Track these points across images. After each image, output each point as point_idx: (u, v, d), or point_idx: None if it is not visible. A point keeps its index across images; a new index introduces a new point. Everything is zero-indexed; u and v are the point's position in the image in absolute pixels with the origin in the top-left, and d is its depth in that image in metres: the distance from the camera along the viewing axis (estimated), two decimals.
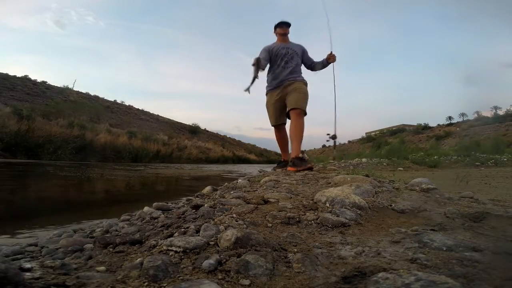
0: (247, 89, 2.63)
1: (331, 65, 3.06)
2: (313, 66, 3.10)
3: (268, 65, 2.93)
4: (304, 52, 3.06)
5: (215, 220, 0.86)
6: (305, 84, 2.94)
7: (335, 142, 3.03)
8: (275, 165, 3.33)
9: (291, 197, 1.17)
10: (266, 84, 3.10)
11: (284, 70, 2.90)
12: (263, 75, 2.77)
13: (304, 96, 2.81)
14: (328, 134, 2.99)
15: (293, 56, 2.95)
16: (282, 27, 3.00)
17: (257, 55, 2.77)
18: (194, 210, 1.18)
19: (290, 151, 3.14)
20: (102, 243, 0.83)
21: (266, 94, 3.09)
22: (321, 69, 3.09)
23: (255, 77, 2.59)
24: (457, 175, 2.55)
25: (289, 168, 2.58)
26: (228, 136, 36.87)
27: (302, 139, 2.74)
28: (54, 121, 12.51)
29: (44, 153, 9.97)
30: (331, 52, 3.02)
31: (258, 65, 2.59)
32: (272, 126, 3.08)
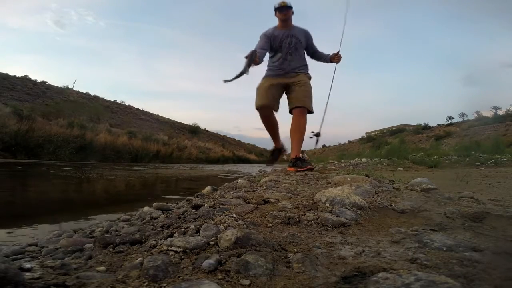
0: (227, 81, 2.13)
1: (333, 64, 2.86)
2: (315, 55, 2.88)
3: (267, 54, 2.65)
4: (308, 38, 2.79)
5: (215, 220, 0.86)
6: (309, 78, 2.76)
7: (317, 140, 2.85)
8: (269, 156, 3.05)
9: (291, 197, 1.17)
10: (266, 69, 2.79)
11: (288, 62, 2.68)
12: (255, 68, 2.33)
13: (308, 94, 2.65)
14: (312, 132, 2.83)
15: (297, 47, 2.70)
16: (282, 12, 2.65)
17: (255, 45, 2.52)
18: (194, 210, 1.18)
19: (283, 147, 3.04)
20: (102, 243, 0.83)
21: (263, 79, 2.75)
22: (322, 62, 2.90)
23: (244, 71, 2.14)
24: (457, 175, 2.55)
25: (289, 169, 2.55)
26: (228, 136, 36.94)
27: (303, 139, 2.63)
28: (54, 121, 12.52)
29: (44, 153, 9.98)
30: (338, 52, 2.80)
31: (251, 58, 2.17)
32: (257, 108, 2.61)
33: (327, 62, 2.87)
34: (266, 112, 2.66)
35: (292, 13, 2.71)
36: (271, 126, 2.79)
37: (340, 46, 2.83)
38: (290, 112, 2.68)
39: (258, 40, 2.66)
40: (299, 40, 2.70)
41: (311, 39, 2.83)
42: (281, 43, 2.66)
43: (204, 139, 26.69)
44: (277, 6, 2.67)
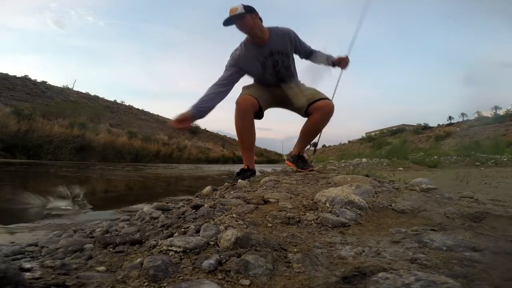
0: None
1: (338, 69, 2.30)
2: (310, 56, 2.27)
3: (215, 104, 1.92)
4: (293, 40, 2.09)
5: (215, 220, 0.86)
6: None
7: (315, 149, 2.72)
8: (235, 175, 2.12)
9: (291, 197, 1.17)
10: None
11: (277, 82, 2.16)
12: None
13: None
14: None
15: (287, 65, 2.11)
16: (236, 25, 1.90)
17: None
18: (194, 210, 1.18)
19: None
20: (102, 243, 0.83)
21: None
22: (323, 65, 2.30)
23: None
24: (457, 175, 2.55)
25: (288, 163, 2.50)
26: (228, 136, 36.87)
27: (313, 139, 2.42)
28: (54, 121, 12.52)
29: (44, 153, 9.98)
30: (347, 56, 2.24)
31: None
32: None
33: (330, 66, 2.30)
34: (251, 113, 2.04)
35: (256, 17, 1.92)
36: (250, 135, 2.12)
37: (350, 49, 2.30)
38: (305, 113, 2.22)
39: (224, 68, 2.01)
40: (284, 54, 2.08)
41: (298, 39, 2.14)
42: (264, 67, 2.06)
43: (204, 139, 26.68)
44: (226, 20, 1.86)
